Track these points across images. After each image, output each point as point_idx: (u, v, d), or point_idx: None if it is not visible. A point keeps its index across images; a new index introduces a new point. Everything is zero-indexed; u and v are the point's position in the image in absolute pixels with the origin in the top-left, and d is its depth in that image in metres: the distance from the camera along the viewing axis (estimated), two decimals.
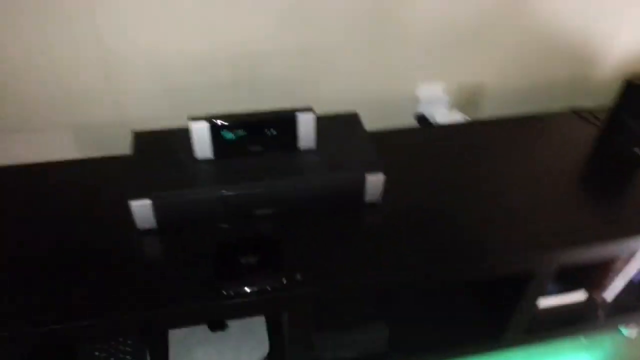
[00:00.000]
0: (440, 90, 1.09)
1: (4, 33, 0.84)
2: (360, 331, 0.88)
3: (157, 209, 0.74)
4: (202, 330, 0.92)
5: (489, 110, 1.16)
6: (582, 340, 1.08)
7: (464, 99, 1.13)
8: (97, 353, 0.88)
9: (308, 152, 0.82)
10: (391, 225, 0.80)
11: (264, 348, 0.90)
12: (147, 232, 0.76)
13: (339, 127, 0.87)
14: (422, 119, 1.08)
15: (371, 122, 0.91)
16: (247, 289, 0.70)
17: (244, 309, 0.73)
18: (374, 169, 0.79)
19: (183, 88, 0.96)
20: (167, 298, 0.69)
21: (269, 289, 0.70)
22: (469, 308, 0.99)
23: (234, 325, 0.93)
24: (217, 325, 0.92)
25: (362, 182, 0.79)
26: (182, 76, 0.96)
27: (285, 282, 0.71)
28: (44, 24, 0.84)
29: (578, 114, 1.08)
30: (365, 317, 0.89)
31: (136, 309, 0.67)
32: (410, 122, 1.11)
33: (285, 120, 0.78)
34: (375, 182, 0.79)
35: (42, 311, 0.67)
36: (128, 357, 0.89)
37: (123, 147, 0.99)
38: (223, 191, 0.75)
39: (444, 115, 1.08)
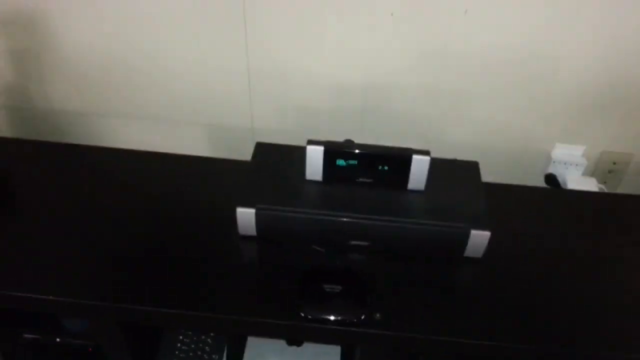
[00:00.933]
0: (579, 153, 1.01)
1: (169, 42, 0.95)
2: None
3: (259, 219, 0.77)
4: (279, 340, 0.94)
5: (632, 186, 1.04)
6: None
7: (605, 169, 1.03)
8: (180, 337, 0.95)
9: (416, 193, 0.80)
10: (488, 287, 0.76)
11: None
12: (247, 238, 0.80)
13: (455, 174, 0.84)
14: (551, 180, 1.01)
15: (496, 175, 0.87)
16: (326, 317, 0.70)
17: (319, 335, 0.73)
18: (480, 225, 0.75)
19: (312, 108, 1.00)
20: (252, 306, 0.72)
21: (347, 321, 0.70)
22: None
23: (310, 345, 0.94)
24: (294, 340, 0.94)
25: (466, 236, 0.76)
26: (314, 96, 0.99)
27: (363, 318, 0.70)
28: (197, 32, 0.93)
29: None
30: None
31: (222, 310, 0.71)
32: (538, 182, 1.04)
33: (399, 158, 0.78)
34: (479, 238, 0.76)
35: (139, 293, 0.73)
36: (207, 348, 0.94)
37: (247, 153, 1.06)
38: (323, 215, 0.77)
39: (577, 181, 0.99)
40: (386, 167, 0.79)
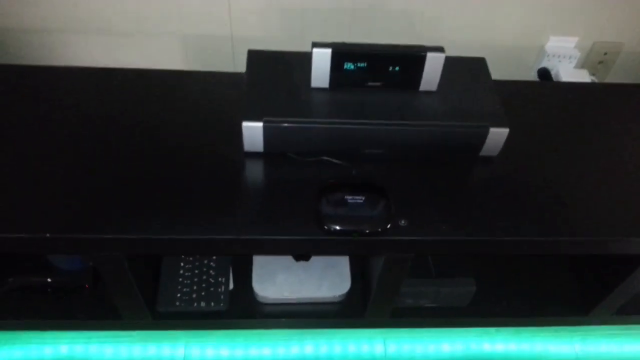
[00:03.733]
0: (572, 45, 0.99)
1: None
2: (447, 283, 0.86)
3: (267, 133, 0.71)
4: (285, 257, 0.92)
5: (619, 76, 1.05)
6: None
7: (596, 60, 1.02)
8: (181, 263, 0.91)
9: (429, 94, 0.76)
10: (505, 184, 0.75)
11: (346, 285, 0.89)
12: (253, 154, 0.75)
13: (463, 72, 0.80)
14: (544, 74, 1.00)
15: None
16: (352, 228, 0.68)
17: (344, 248, 0.71)
18: (498, 122, 0.73)
19: (300, 9, 0.92)
20: (265, 225, 0.68)
21: (374, 230, 0.68)
22: (562, 277, 0.94)
23: (317, 258, 0.92)
24: (301, 255, 0.92)
25: (484, 134, 0.73)
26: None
27: (389, 226, 0.68)
28: None
29: None
30: (455, 270, 0.86)
31: (231, 231, 0.67)
32: (530, 75, 1.03)
33: (413, 58, 0.72)
34: (498, 136, 0.74)
35: (144, 221, 0.67)
36: (211, 271, 0.90)
37: (228, 64, 0.97)
38: (335, 124, 0.72)
39: (570, 73, 0.99)
40: (397, 68, 0.74)
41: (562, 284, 0.94)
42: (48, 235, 0.65)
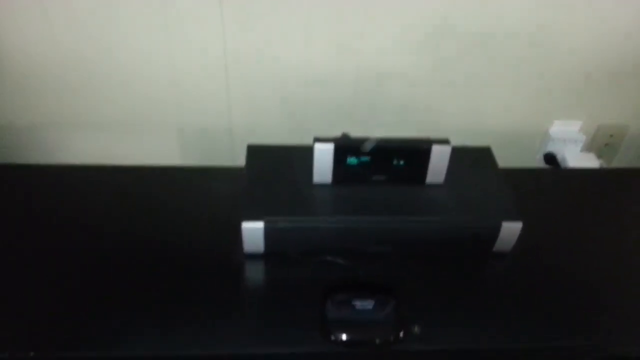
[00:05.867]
0: (576, 129, 0.98)
1: (123, 31, 0.81)
2: None
3: (269, 233, 0.67)
4: None
5: (627, 159, 1.03)
6: None
7: (602, 142, 1.00)
8: None
9: (435, 187, 0.73)
10: (522, 282, 0.70)
11: None
12: (253, 256, 0.70)
13: (469, 162, 0.78)
14: (551, 159, 0.97)
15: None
16: (361, 339, 0.62)
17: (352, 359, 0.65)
18: (511, 216, 0.69)
19: (301, 100, 0.91)
20: (269, 334, 0.62)
21: (386, 340, 0.62)
22: None
23: None
24: None
25: (497, 230, 0.69)
26: (303, 88, 0.90)
27: (402, 335, 0.63)
28: (164, 24, 0.81)
29: None
30: None
31: (235, 344, 0.61)
32: (536, 160, 1.00)
33: (418, 151, 0.70)
34: (511, 231, 0.70)
35: (133, 337, 0.62)
36: None
37: (227, 156, 0.95)
38: (339, 222, 0.68)
39: (577, 157, 0.96)
40: (402, 162, 0.71)
41: None
42: (32, 354, 0.59)
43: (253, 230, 0.67)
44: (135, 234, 0.73)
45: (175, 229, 0.74)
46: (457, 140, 0.74)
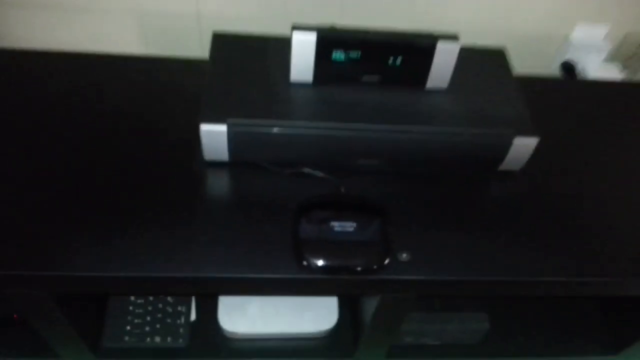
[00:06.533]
0: (601, 35, 0.84)
1: None
2: (454, 319, 0.71)
3: (233, 138, 0.56)
4: None
5: None
6: None
7: (627, 53, 0.87)
8: (132, 298, 0.75)
9: (438, 93, 0.61)
10: (530, 207, 0.60)
11: (332, 318, 0.74)
12: (216, 165, 0.59)
13: (479, 65, 0.65)
14: (569, 69, 0.85)
15: None
16: (340, 264, 0.53)
17: (327, 287, 0.56)
18: (525, 129, 0.58)
19: None
20: (233, 258, 0.53)
21: (368, 267, 0.53)
22: (588, 310, 0.80)
23: None
24: None
25: (507, 145, 0.58)
26: None
27: (387, 262, 0.53)
28: None
29: None
30: (464, 303, 0.72)
31: (184, 268, 0.52)
32: (551, 69, 0.88)
33: (419, 48, 0.57)
34: (524, 148, 0.59)
35: (77, 255, 0.52)
36: (169, 300, 0.75)
37: (195, 47, 0.81)
38: (320, 127, 0.57)
39: (598, 67, 0.84)
40: (399, 60, 0.58)
41: (588, 318, 0.80)
42: None
43: (214, 134, 0.56)
44: (77, 132, 0.61)
45: (130, 129, 0.62)
46: (464, 40, 0.61)
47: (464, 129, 0.58)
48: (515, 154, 0.59)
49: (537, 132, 0.58)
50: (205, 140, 0.56)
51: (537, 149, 0.59)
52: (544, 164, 0.64)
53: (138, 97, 0.66)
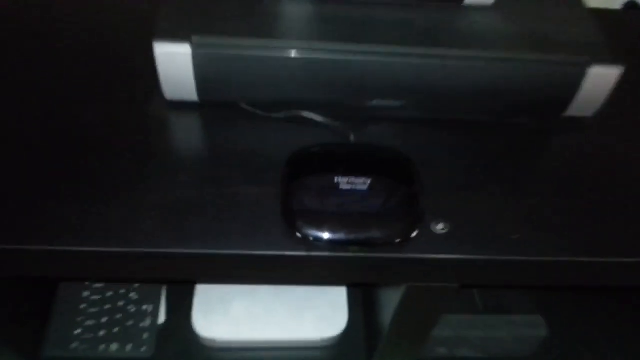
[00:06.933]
0: None
1: None
2: (502, 323, 0.55)
3: (202, 66, 0.40)
4: None
5: None
6: None
7: None
8: (86, 283, 0.60)
9: (481, 10, 0.45)
10: (607, 165, 0.44)
11: (341, 321, 0.58)
12: (182, 106, 0.44)
13: None
14: (632, 6, 0.69)
15: None
16: (346, 236, 0.37)
17: (332, 270, 0.40)
18: (603, 58, 0.42)
19: None
20: (197, 229, 0.37)
21: (386, 242, 0.37)
22: None
23: None
24: None
25: (580, 76, 0.42)
26: None
27: (416, 234, 0.37)
28: None
29: None
30: (514, 303, 0.56)
31: (134, 243, 0.36)
32: (616, 4, 0.72)
33: None
34: (603, 80, 0.43)
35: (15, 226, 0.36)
36: (133, 296, 0.60)
37: None
38: (320, 51, 0.41)
39: None
40: None
41: None
42: None
43: (175, 58, 0.40)
44: (6, 62, 0.46)
45: (71, 57, 0.47)
46: None
47: (518, 54, 0.42)
48: (590, 90, 0.43)
49: (619, 60, 0.42)
50: (162, 68, 0.41)
51: (616, 91, 0.43)
52: (626, 109, 0.48)
53: (83, 17, 0.51)
